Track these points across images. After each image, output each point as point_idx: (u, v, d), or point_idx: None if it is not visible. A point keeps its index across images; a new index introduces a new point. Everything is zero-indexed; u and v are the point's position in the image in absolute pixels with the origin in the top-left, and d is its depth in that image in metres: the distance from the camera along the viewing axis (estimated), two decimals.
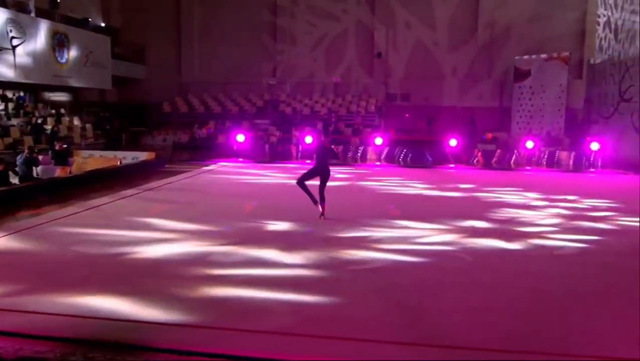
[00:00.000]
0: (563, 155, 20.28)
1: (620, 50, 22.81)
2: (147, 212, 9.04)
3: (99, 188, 11.26)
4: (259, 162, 19.34)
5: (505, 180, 14.89)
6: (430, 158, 19.71)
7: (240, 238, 7.37)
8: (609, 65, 23.50)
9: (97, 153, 16.63)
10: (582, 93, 25.86)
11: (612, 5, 23.77)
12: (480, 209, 9.89)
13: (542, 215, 9.36)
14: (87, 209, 9.31)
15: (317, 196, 8.67)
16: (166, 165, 16.57)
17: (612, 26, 23.82)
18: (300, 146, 21.38)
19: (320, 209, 8.57)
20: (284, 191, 12.09)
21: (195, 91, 28.20)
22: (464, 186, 12.98)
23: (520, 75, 25.53)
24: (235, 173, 15.04)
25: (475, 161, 20.62)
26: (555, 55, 24.36)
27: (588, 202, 10.78)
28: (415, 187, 12.80)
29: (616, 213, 9.57)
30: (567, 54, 24.24)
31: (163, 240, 7.12)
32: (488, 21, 26.75)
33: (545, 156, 20.38)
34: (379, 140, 20.81)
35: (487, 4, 26.63)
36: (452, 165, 19.54)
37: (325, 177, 8.74)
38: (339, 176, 14.94)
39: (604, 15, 24.69)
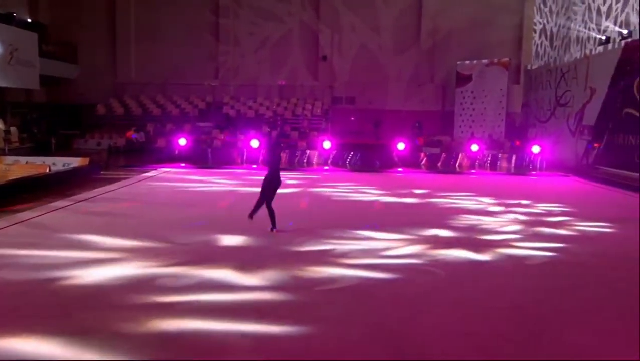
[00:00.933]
0: (505, 158, 20.72)
1: (556, 56, 23.72)
2: (82, 227, 8.09)
3: (25, 200, 10.08)
4: (203, 168, 18.39)
5: (456, 184, 14.87)
6: (378, 163, 19.54)
7: (190, 256, 6.66)
8: (545, 71, 24.38)
9: (23, 159, 15.08)
10: (519, 98, 26.73)
11: (548, 13, 24.71)
12: (439, 216, 9.65)
13: (501, 222, 9.24)
14: (11, 224, 8.22)
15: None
16: (102, 172, 15.34)
17: (548, 33, 24.76)
18: (245, 151, 20.64)
19: (273, 227, 7.94)
20: (234, 199, 11.39)
21: (132, 92, 26.74)
22: (418, 191, 12.78)
23: (462, 79, 26.04)
24: (179, 180, 14.11)
25: (422, 165, 20.68)
26: (495, 60, 25.00)
27: (542, 206, 10.83)
28: (370, 193, 12.45)
29: (571, 218, 9.61)
30: (506, 59, 24.95)
31: (102, 261, 6.28)
32: (431, 26, 27.12)
33: (489, 159, 20.74)
34: (327, 144, 20.42)
35: (430, 10, 26.99)
36: (400, 170, 19.44)
37: (278, 185, 8.11)
38: (289, 182, 14.37)
39: (540, 23, 25.65)
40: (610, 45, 19.11)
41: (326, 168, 19.82)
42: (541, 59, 25.42)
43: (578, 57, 21.33)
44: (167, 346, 4.09)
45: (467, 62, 25.68)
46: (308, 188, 13.08)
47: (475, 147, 20.25)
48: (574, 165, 20.35)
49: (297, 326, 4.48)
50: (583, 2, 21.22)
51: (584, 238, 8.10)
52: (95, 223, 8.48)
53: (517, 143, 22.09)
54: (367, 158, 20.29)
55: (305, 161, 20.76)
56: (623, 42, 18.09)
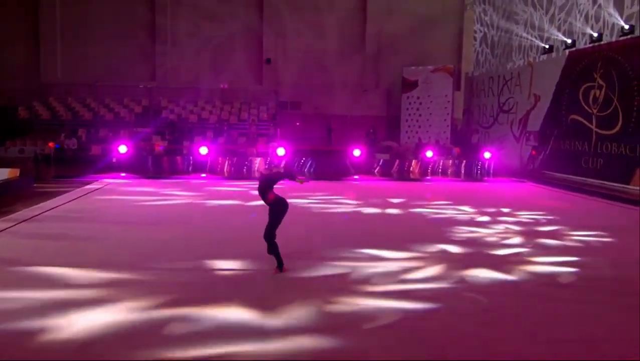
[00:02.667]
0: (455, 164, 20.82)
1: (498, 64, 24.38)
2: (37, 256, 6.73)
3: None
4: (147, 177, 16.87)
5: (423, 191, 14.57)
6: (336, 170, 19.00)
7: (188, 290, 5.62)
8: (487, 78, 25.01)
9: None
10: (461, 104, 27.27)
11: (488, 22, 25.38)
12: (433, 229, 9.17)
13: (498, 233, 8.89)
14: None
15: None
16: (35, 184, 13.52)
17: (489, 42, 25.43)
18: (191, 158, 19.29)
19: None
20: (204, 215, 10.27)
21: (57, 94, 24.28)
22: (395, 201, 12.26)
23: (408, 85, 26.13)
24: (129, 193, 12.67)
25: (375, 171, 20.36)
26: (440, 66, 25.29)
27: (524, 215, 10.68)
28: (346, 204, 11.78)
29: (562, 227, 9.48)
30: (451, 66, 25.32)
31: (81, 303, 5.08)
32: (375, 32, 27.01)
33: (441, 165, 20.79)
34: (281, 151, 19.52)
35: (374, 15, 26.89)
36: (356, 177, 18.99)
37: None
38: (253, 193, 13.40)
39: (480, 31, 26.31)
40: (554, 54, 19.81)
41: None
42: (482, 67, 26.07)
43: (521, 64, 21.97)
44: None
45: (413, 67, 25.81)
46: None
47: (429, 153, 20.22)
48: (519, 170, 20.89)
49: None
50: (525, 12, 21.91)
51: (591, 249, 7.90)
52: (51, 250, 7.12)
53: (458, 150, 22.39)
54: (323, 165, 19.66)
55: (255, 169, 19.72)
56: (567, 51, 18.78)
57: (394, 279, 6.12)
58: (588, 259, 7.20)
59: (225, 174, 18.85)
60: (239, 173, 19.03)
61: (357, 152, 19.61)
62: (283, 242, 6.39)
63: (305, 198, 12.30)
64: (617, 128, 16.13)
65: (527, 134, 21.12)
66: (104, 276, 5.96)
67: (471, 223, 9.74)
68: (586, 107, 17.59)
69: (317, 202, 11.90)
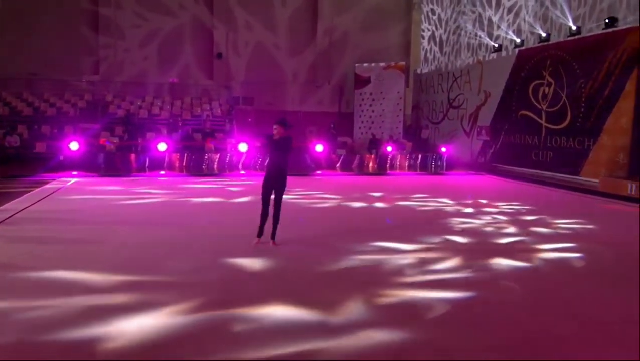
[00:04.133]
0: (412, 159, 21.38)
1: (447, 61, 25.27)
2: (34, 261, 6.18)
3: None
4: (103, 176, 16.00)
5: (396, 185, 14.85)
6: (311, 163, 19.00)
7: (221, 290, 5.39)
8: (437, 75, 25.86)
9: None
10: (410, 101, 28.00)
11: (437, 21, 26.22)
12: (430, 221, 9.39)
13: (491, 223, 9.23)
14: None
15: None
16: None
17: (437, 40, 26.28)
18: (147, 155, 18.50)
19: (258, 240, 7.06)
20: (195, 214, 9.88)
21: None
22: (375, 194, 12.41)
23: (361, 81, 26.47)
24: (98, 193, 11.93)
25: (337, 166, 20.52)
26: (392, 64, 25.83)
27: (503, 206, 11.16)
28: (330, 199, 11.75)
29: (543, 216, 9.98)
30: (403, 63, 25.93)
31: (117, 309, 4.71)
32: (327, 27, 27.11)
33: (398, 160, 21.28)
34: (243, 147, 19.17)
35: (325, 11, 26.97)
36: (319, 172, 19.04)
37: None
38: (233, 190, 13.08)
39: (429, 30, 27.13)
40: (503, 52, 20.81)
41: (243, 172, 18.63)
42: (431, 64, 26.90)
43: (471, 62, 22.89)
44: None
45: (365, 64, 26.17)
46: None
47: (389, 148, 20.68)
48: (471, 164, 21.82)
49: None
50: (474, 12, 22.84)
51: (581, 236, 8.39)
52: (50, 255, 6.56)
53: (410, 145, 23.06)
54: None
55: (215, 166, 19.27)
56: (516, 49, 19.79)
57: (422, 270, 6.20)
58: (585, 245, 7.65)
59: (185, 171, 18.29)
60: (199, 169, 18.54)
61: (319, 148, 19.65)
62: (291, 236, 6.29)
63: (286, 194, 12.13)
64: (565, 123, 17.21)
65: (479, 129, 22.05)
66: (127, 279, 5.58)
67: (460, 214, 10.05)
68: (536, 103, 18.62)
69: (299, 197, 11.78)
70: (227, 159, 19.42)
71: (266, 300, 5.00)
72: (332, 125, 22.69)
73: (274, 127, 7.02)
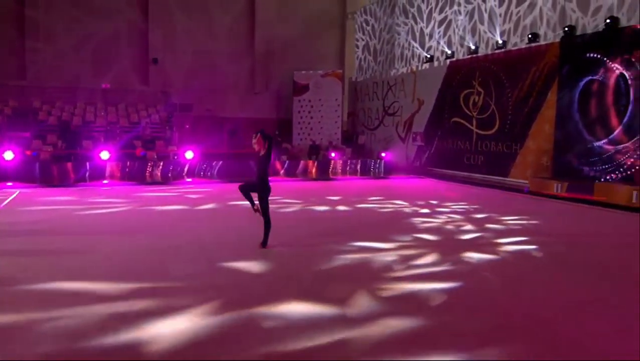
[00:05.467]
0: (349, 163, 22.19)
1: (381, 70, 26.47)
2: (31, 273, 6.07)
3: None
4: (45, 186, 15.34)
5: (348, 189, 15.49)
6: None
7: (234, 291, 5.65)
8: (372, 83, 27.00)
9: None
10: (345, 108, 28.96)
11: (370, 31, 27.39)
12: (395, 221, 10.07)
13: (448, 221, 10.07)
14: None
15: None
16: None
17: (371, 50, 27.45)
18: (88, 164, 17.89)
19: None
20: (163, 221, 9.88)
21: None
22: (333, 198, 12.96)
23: (299, 89, 27.02)
24: (54, 203, 11.52)
25: (282, 172, 20.90)
26: (330, 72, 26.64)
27: (453, 206, 12.12)
28: (292, 203, 12.12)
29: (491, 214, 11.00)
30: (340, 71, 26.83)
31: (140, 314, 4.83)
32: (265, 35, 27.43)
33: (340, 165, 22.04)
34: (189, 154, 19.07)
35: (263, 18, 27.31)
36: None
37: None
38: (192, 197, 13.08)
39: (362, 39, 28.26)
40: (435, 63, 22.23)
41: (189, 180, 18.53)
42: (365, 73, 28.02)
43: (405, 72, 24.19)
44: None
45: (303, 72, 26.76)
46: (228, 203, 12.08)
47: (333, 154, 21.39)
48: (407, 168, 23.07)
49: (494, 346, 4.30)
50: (406, 24, 24.17)
51: (530, 230, 9.41)
52: (43, 267, 6.44)
53: (350, 151, 24.00)
54: (229, 167, 19.67)
55: (158, 173, 18.99)
56: (448, 60, 21.25)
57: (407, 265, 6.80)
58: (536, 238, 8.64)
59: (127, 179, 17.90)
60: (142, 178, 18.21)
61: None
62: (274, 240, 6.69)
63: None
64: (494, 129, 18.76)
65: (415, 135, 23.33)
66: (135, 287, 5.68)
67: (419, 215, 10.84)
68: (467, 111, 20.11)
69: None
70: (172, 167, 19.20)
71: (280, 299, 5.34)
72: (276, 132, 23.03)
73: (253, 141, 7.32)
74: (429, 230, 9.20)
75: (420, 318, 4.91)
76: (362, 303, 5.31)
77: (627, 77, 13.81)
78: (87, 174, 17.72)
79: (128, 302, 5.20)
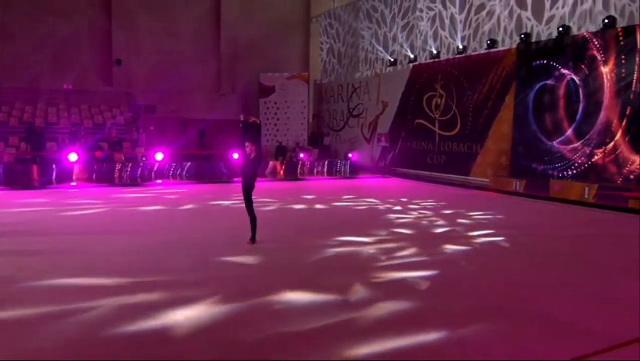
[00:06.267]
0: (317, 164, 22.71)
1: (346, 73, 27.11)
2: (30, 272, 6.22)
3: None
4: (13, 188, 15.09)
5: (321, 188, 15.98)
6: (225, 171, 19.40)
7: (236, 283, 6.01)
8: (337, 85, 27.62)
9: None
10: (310, 109, 29.46)
11: (335, 35, 28.00)
12: (371, 218, 10.62)
13: (421, 217, 10.71)
14: None
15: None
16: None
17: (336, 53, 28.07)
18: (54, 167, 17.64)
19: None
20: (149, 220, 10.07)
21: None
22: (308, 197, 13.41)
23: (265, 91, 27.35)
24: (29, 205, 11.45)
25: None
26: (295, 74, 27.08)
27: (422, 203, 12.81)
28: (270, 203, 12.49)
29: (458, 210, 11.72)
30: (306, 73, 27.31)
31: (155, 305, 5.13)
32: (230, 36, 27.57)
33: (308, 165, 22.53)
34: (159, 155, 19.09)
35: (228, 20, 27.44)
36: (235, 179, 19.58)
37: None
38: (169, 197, 13.23)
39: (327, 43, 28.84)
40: (399, 67, 23.04)
41: (159, 181, 18.56)
42: (330, 75, 28.61)
43: (369, 75, 24.91)
44: None
45: (270, 74, 27.10)
46: (207, 203, 12.33)
47: (302, 155, 21.84)
48: (372, 167, 23.79)
49: (476, 322, 4.86)
50: (370, 28, 24.90)
51: (495, 224, 10.16)
52: (40, 265, 6.57)
53: (316, 152, 24.58)
54: (199, 169, 19.83)
55: (126, 175, 18.93)
56: (411, 64, 22.09)
57: (391, 256, 7.34)
58: (502, 231, 9.38)
59: (95, 181, 17.78)
60: (110, 179, 18.12)
61: (236, 155, 20.17)
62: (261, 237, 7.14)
63: (228, 200, 12.71)
64: (456, 131, 19.69)
65: (379, 136, 24.07)
66: (139, 281, 5.94)
67: (392, 211, 11.44)
68: (430, 113, 20.99)
69: (241, 202, 12.32)
70: (140, 169, 19.17)
71: (282, 288, 5.75)
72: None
73: (246, 144, 7.74)
74: (404, 225, 9.79)
75: (412, 301, 5.44)
76: (358, 289, 5.80)
77: (577, 81, 14.92)
78: (54, 177, 17.47)
79: (136, 295, 5.48)
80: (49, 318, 4.79)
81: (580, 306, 5.45)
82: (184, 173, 19.38)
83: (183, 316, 4.91)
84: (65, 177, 17.59)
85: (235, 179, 19.29)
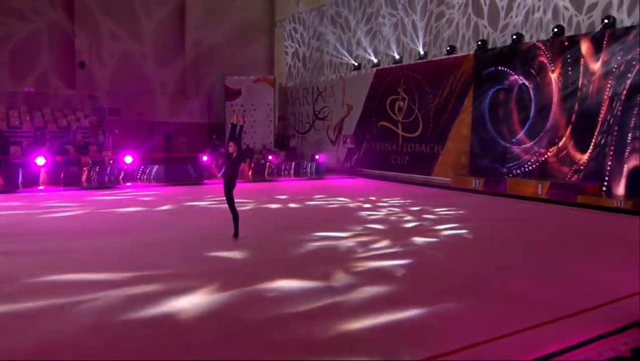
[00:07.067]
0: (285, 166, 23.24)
1: (311, 77, 27.76)
2: (29, 270, 6.49)
3: None
4: None
5: (292, 189, 16.51)
6: (194, 174, 19.65)
7: (230, 274, 6.51)
8: (302, 89, 28.22)
9: None
10: (276, 112, 29.94)
11: (299, 39, 28.62)
12: (343, 215, 11.26)
13: (390, 214, 11.43)
14: None
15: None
16: None
17: (301, 57, 28.68)
18: (20, 170, 17.50)
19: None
20: (131, 221, 10.36)
21: None
22: (281, 197, 13.94)
23: (231, 93, 27.63)
24: (2, 209, 11.52)
25: (219, 175, 21.49)
26: (261, 77, 27.52)
27: (390, 200, 13.55)
28: (244, 203, 12.90)
29: (424, 207, 12.52)
30: (272, 77, 27.80)
31: (156, 295, 5.56)
32: (194, 39, 27.73)
33: (275, 167, 23.04)
34: (128, 159, 19.18)
35: (191, 23, 27.60)
36: (204, 181, 19.90)
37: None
38: (144, 199, 13.47)
39: (292, 47, 29.42)
40: (362, 71, 23.85)
41: (128, 184, 18.65)
42: (295, 79, 29.20)
43: (334, 78, 25.64)
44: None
45: (235, 77, 27.41)
46: (183, 204, 12.65)
47: (270, 157, 22.33)
48: (338, 168, 24.51)
49: (445, 301, 5.55)
50: (334, 33, 25.64)
51: (458, 219, 10.99)
52: (38, 264, 6.86)
53: (272, 157, 25.15)
54: (168, 172, 20.03)
55: (93, 178, 18.94)
56: (374, 69, 22.95)
57: (367, 248, 7.98)
58: (465, 224, 10.20)
59: (63, 185, 17.74)
60: (78, 183, 18.10)
61: (205, 158, 20.51)
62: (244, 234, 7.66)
63: (203, 201, 13.10)
64: (418, 132, 20.64)
65: (344, 137, 24.82)
66: (136, 275, 6.32)
67: (362, 209, 12.12)
68: (393, 115, 21.89)
69: (218, 203, 12.74)
70: (109, 172, 19.21)
71: (271, 278, 6.28)
72: (214, 136, 23.55)
73: (230, 144, 8.26)
74: (375, 221, 10.48)
75: (390, 285, 6.09)
76: (341, 277, 6.40)
77: (528, 86, 16.06)
78: (20, 180, 17.34)
79: (138, 287, 5.90)
80: (62, 307, 5.17)
81: (534, 284, 6.24)
82: (152, 176, 19.52)
83: (187, 302, 5.38)
84: (31, 181, 17.46)
85: (205, 181, 19.64)
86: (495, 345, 4.36)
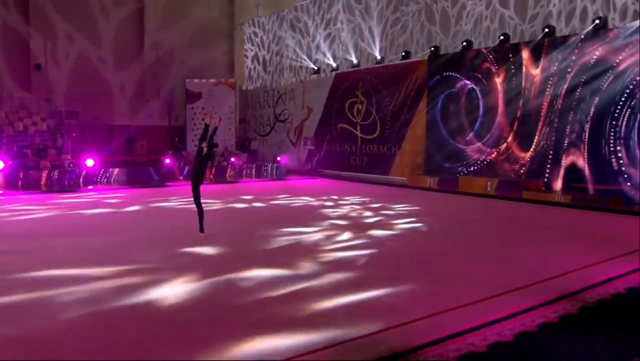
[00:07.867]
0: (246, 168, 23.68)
1: (271, 80, 28.28)
2: (19, 266, 6.81)
3: None
4: None
5: (257, 190, 17.01)
6: (157, 177, 19.80)
7: (209, 266, 7.01)
8: (262, 92, 28.70)
9: None
10: (237, 115, 30.27)
11: (259, 43, 29.09)
12: (309, 212, 11.90)
13: (352, 211, 12.15)
14: None
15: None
16: None
17: (261, 60, 29.16)
18: None
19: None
20: (101, 221, 10.62)
21: None
22: (246, 197, 14.43)
23: (192, 96, 27.81)
24: None
25: (182, 177, 21.71)
26: (222, 80, 27.82)
27: (351, 198, 14.28)
28: (211, 203, 13.32)
29: (383, 204, 13.30)
30: (233, 80, 28.13)
31: (140, 285, 6.01)
32: (153, 42, 27.73)
33: (237, 169, 23.44)
34: (90, 162, 19.16)
35: (151, 25, 27.59)
36: (167, 183, 20.10)
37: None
38: (110, 201, 13.66)
39: (252, 50, 29.85)
40: (322, 74, 24.57)
41: (90, 187, 18.65)
42: (255, 82, 29.64)
43: (294, 82, 26.25)
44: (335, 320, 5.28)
45: (196, 80, 27.61)
46: (151, 205, 12.94)
47: (232, 159, 22.70)
48: (299, 169, 25.14)
49: (402, 284, 6.25)
50: (294, 38, 26.26)
51: (414, 214, 11.81)
52: (27, 260, 7.14)
53: (234, 159, 25.60)
54: (129, 174, 20.11)
55: (53, 182, 18.84)
56: (333, 72, 23.71)
57: (331, 241, 8.64)
58: (421, 218, 11.03)
59: (22, 188, 17.59)
60: (37, 186, 17.98)
61: (168, 160, 20.71)
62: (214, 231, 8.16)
63: (169, 202, 13.44)
64: (376, 134, 21.53)
65: (305, 139, 25.47)
66: (116, 270, 6.68)
67: (325, 207, 12.79)
68: (352, 118, 22.70)
69: (185, 203, 13.09)
70: (69, 175, 19.15)
71: (246, 268, 6.84)
72: (176, 139, 23.70)
73: (203, 143, 8.74)
74: (338, 217, 11.17)
75: (354, 272, 6.77)
76: (309, 266, 7.02)
77: (476, 90, 17.18)
78: None
79: (121, 279, 6.32)
80: (45, 300, 5.55)
81: (481, 267, 7.06)
82: (113, 179, 19.55)
83: (170, 290, 5.88)
84: None
85: (168, 183, 19.83)
86: (445, 316, 5.08)
